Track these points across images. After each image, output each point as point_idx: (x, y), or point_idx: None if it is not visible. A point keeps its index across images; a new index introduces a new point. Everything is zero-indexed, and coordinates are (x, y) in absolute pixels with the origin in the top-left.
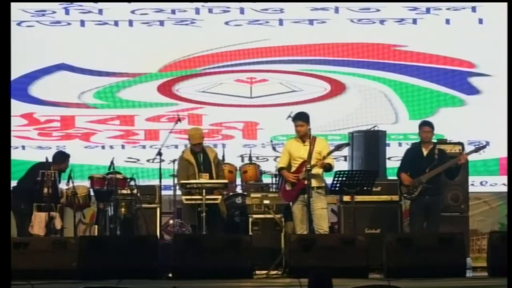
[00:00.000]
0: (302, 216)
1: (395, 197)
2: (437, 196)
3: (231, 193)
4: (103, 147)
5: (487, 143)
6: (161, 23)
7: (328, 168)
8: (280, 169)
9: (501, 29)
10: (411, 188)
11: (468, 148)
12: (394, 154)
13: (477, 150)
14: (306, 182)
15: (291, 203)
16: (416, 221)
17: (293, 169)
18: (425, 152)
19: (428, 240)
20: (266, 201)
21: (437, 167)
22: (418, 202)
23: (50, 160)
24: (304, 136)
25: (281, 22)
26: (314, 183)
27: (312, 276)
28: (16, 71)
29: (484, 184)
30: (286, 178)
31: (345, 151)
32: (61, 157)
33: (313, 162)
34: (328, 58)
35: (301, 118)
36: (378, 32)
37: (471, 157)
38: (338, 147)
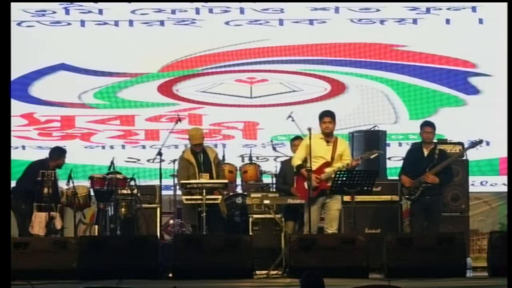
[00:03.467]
0: (317, 217)
1: (395, 197)
2: (437, 196)
3: (231, 193)
4: (103, 147)
5: (481, 140)
6: (161, 23)
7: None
8: (298, 167)
9: (501, 29)
10: (412, 189)
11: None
12: (394, 154)
13: (473, 145)
14: (329, 184)
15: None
16: (416, 221)
17: (313, 168)
18: (426, 152)
19: (428, 240)
20: (266, 201)
21: (436, 167)
22: (419, 202)
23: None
24: (330, 134)
25: (281, 22)
26: (330, 185)
27: (304, 277)
28: (16, 71)
29: (484, 184)
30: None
31: None
32: (58, 153)
33: (335, 164)
34: (328, 58)
35: (329, 114)
36: (378, 32)
37: (471, 157)
38: (370, 155)
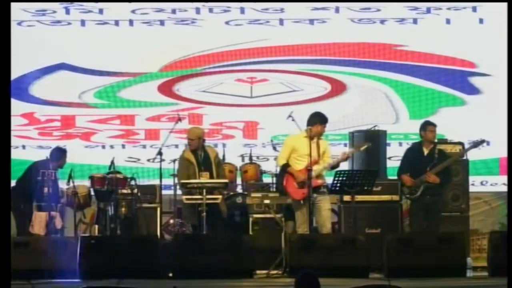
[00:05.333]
0: (307, 215)
1: (395, 197)
2: (437, 196)
3: (231, 193)
4: (103, 147)
5: (483, 140)
6: (162, 22)
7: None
8: (284, 165)
9: (501, 29)
10: (413, 188)
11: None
12: (395, 154)
13: (476, 145)
14: (320, 181)
15: (301, 201)
16: (416, 221)
17: (300, 166)
18: (425, 151)
19: (428, 240)
20: (267, 201)
21: (437, 166)
22: (419, 202)
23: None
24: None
25: (281, 21)
26: (323, 181)
27: (299, 277)
28: (16, 71)
29: (484, 184)
30: (297, 177)
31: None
32: (59, 153)
33: (321, 162)
34: (329, 58)
35: (327, 122)
36: (379, 32)
37: (471, 157)
38: (359, 147)
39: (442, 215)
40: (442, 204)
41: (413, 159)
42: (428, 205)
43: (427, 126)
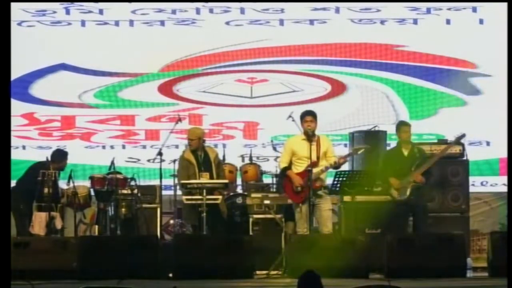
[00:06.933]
0: (307, 216)
1: None
2: (421, 197)
3: (231, 193)
4: (103, 147)
5: (464, 134)
6: (162, 23)
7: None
8: (284, 169)
9: (501, 29)
10: (402, 190)
11: (468, 148)
12: None
13: (457, 140)
14: (318, 184)
15: (300, 204)
16: (402, 222)
17: (300, 169)
18: (405, 152)
19: (428, 240)
20: (267, 201)
21: (422, 166)
22: (405, 204)
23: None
24: (312, 134)
25: (281, 22)
26: (321, 183)
27: (302, 277)
28: (16, 71)
29: (484, 184)
30: (294, 182)
31: (346, 151)
32: (60, 156)
33: (321, 162)
34: (329, 58)
35: (311, 113)
36: (379, 32)
37: (471, 157)
38: (357, 150)
39: (443, 216)
40: (427, 205)
41: (394, 161)
42: (413, 206)
43: (401, 127)
